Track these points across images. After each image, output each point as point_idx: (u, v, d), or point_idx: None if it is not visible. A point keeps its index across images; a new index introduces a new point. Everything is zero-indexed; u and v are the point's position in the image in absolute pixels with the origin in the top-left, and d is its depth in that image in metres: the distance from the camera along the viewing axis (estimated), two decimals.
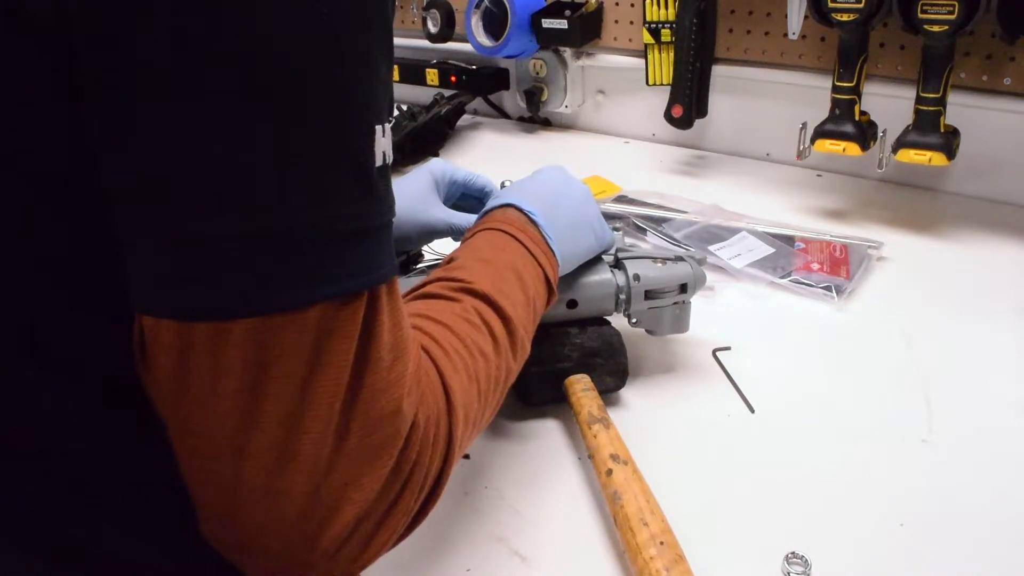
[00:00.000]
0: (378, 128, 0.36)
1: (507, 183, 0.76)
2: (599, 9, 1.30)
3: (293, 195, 0.33)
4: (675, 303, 0.70)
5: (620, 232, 0.77)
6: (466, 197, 0.76)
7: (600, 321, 0.70)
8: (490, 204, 0.63)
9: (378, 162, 0.36)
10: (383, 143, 0.36)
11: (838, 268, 0.88)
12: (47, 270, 0.35)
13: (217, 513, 0.37)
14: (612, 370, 0.68)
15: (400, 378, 0.38)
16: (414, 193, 0.70)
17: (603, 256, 0.70)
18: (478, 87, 1.44)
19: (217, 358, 0.33)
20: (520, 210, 0.60)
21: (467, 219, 0.69)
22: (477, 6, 1.31)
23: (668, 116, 1.17)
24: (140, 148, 0.32)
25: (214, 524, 0.37)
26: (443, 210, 0.71)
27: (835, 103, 0.99)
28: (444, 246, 0.73)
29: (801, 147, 1.03)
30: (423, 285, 0.52)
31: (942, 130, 0.93)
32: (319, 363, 0.35)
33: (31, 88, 0.32)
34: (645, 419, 0.67)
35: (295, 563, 0.37)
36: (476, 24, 1.32)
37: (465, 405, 0.45)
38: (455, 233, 0.70)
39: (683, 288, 0.69)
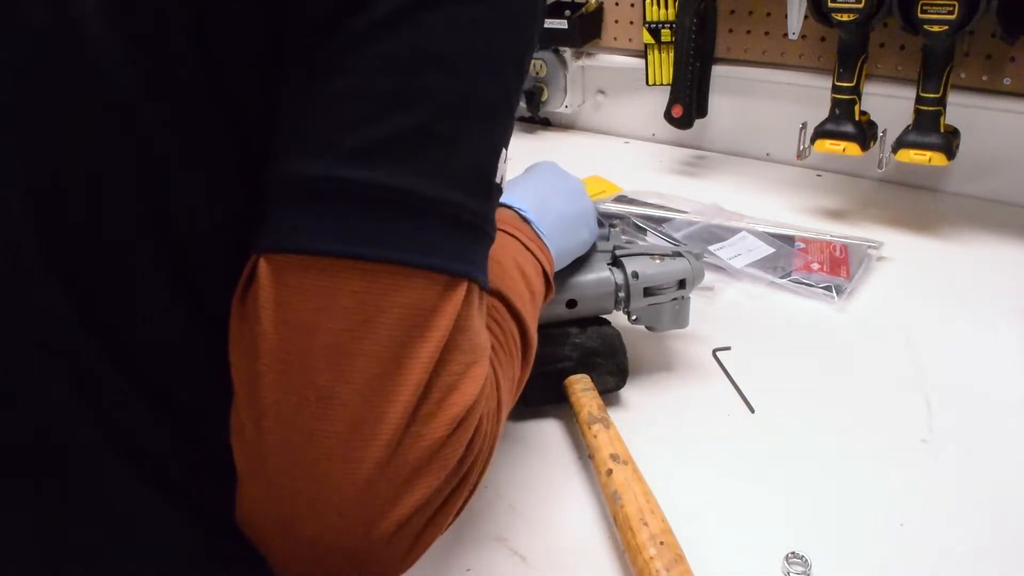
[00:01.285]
0: (503, 151, 0.41)
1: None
2: (599, 9, 1.30)
3: (435, 172, 0.37)
4: (674, 299, 0.70)
5: (617, 228, 0.77)
6: None
7: (600, 321, 0.70)
8: None
9: (497, 179, 0.40)
10: (503, 167, 0.41)
11: (838, 268, 0.88)
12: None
13: (276, 481, 0.36)
14: (612, 370, 0.68)
15: (480, 376, 0.39)
16: None
17: (601, 254, 0.70)
18: None
19: (329, 296, 0.35)
20: (511, 208, 0.60)
21: None
22: None
23: (668, 116, 1.17)
24: (317, 106, 0.36)
25: (265, 497, 0.37)
26: None
27: (835, 103, 0.99)
28: None
29: (801, 147, 1.03)
30: None
31: (942, 130, 0.93)
32: (418, 330, 0.36)
33: (256, 61, 0.37)
34: (645, 419, 0.67)
35: (342, 548, 0.36)
36: None
37: (508, 406, 0.46)
38: None
39: (682, 283, 0.69)
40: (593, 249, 0.71)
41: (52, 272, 0.38)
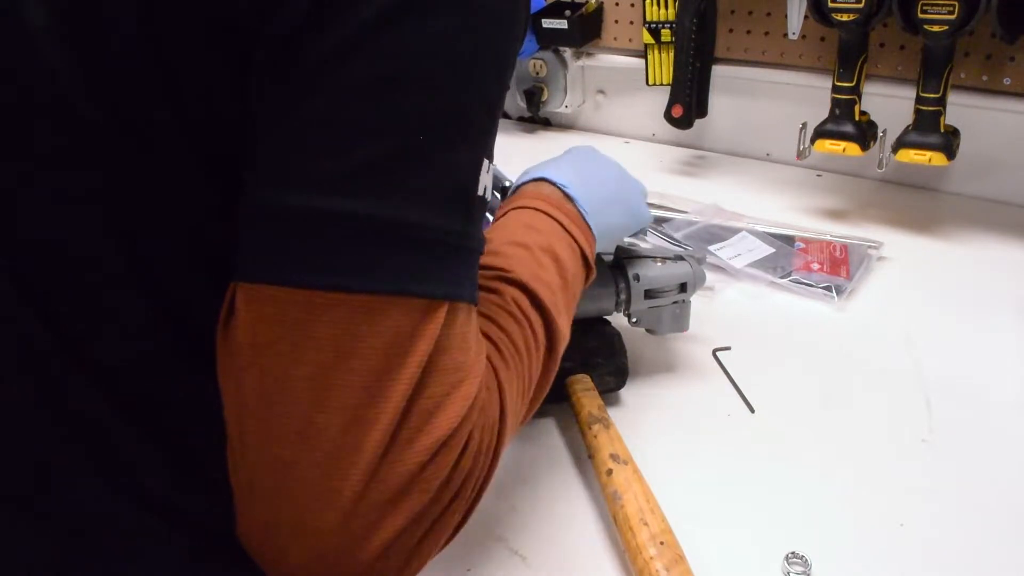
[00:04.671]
0: (485, 163, 0.39)
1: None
2: (599, 9, 1.30)
3: (414, 197, 0.36)
4: (675, 302, 0.70)
5: None
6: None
7: (600, 321, 0.70)
8: (520, 179, 0.61)
9: (479, 192, 0.39)
10: (485, 178, 0.40)
11: (838, 268, 0.88)
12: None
13: (261, 507, 0.37)
14: (612, 370, 0.68)
15: (466, 396, 0.38)
16: None
17: (603, 256, 0.70)
18: None
19: (307, 328, 0.35)
20: (554, 184, 0.58)
21: (494, 200, 0.68)
22: None
23: (668, 116, 1.17)
24: (292, 134, 0.35)
25: (254, 520, 0.37)
26: None
27: (835, 103, 0.99)
28: None
29: (801, 147, 1.03)
30: None
31: (942, 130, 0.93)
32: (397, 358, 0.35)
33: (219, 85, 0.36)
34: (645, 419, 0.67)
35: (331, 571, 0.36)
36: None
37: (514, 409, 0.45)
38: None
39: (683, 287, 0.69)
40: None
41: (16, 287, 0.37)
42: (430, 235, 0.37)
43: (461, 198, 0.38)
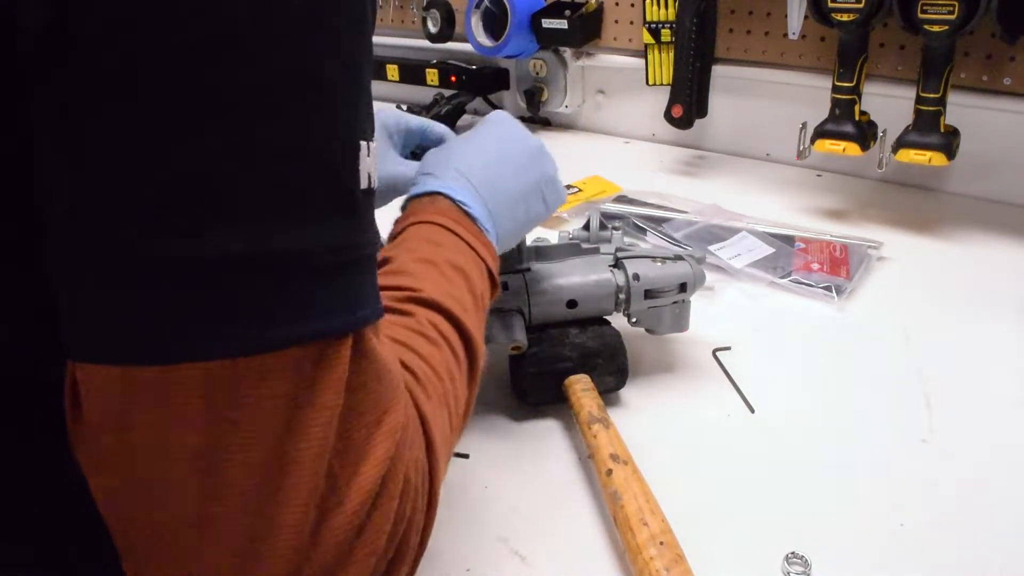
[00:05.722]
0: (363, 145, 0.31)
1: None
2: (599, 9, 1.30)
3: (264, 217, 0.28)
4: (675, 302, 0.70)
5: (619, 231, 0.77)
6: (423, 149, 0.65)
7: (600, 321, 0.70)
8: (416, 189, 0.55)
9: (363, 184, 0.31)
10: (368, 163, 0.32)
11: (838, 268, 0.88)
12: None
13: None
14: (612, 370, 0.68)
15: (392, 432, 0.33)
16: None
17: (603, 256, 0.70)
18: (478, 87, 1.44)
19: (169, 411, 0.28)
20: (449, 199, 0.53)
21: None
22: (477, 6, 1.31)
23: (668, 116, 1.17)
24: (90, 164, 0.27)
25: None
26: (402, 163, 0.63)
27: (835, 103, 0.99)
28: None
29: (801, 147, 1.03)
30: None
31: (942, 130, 0.93)
32: (298, 419, 0.29)
33: None
34: (645, 419, 0.67)
35: None
36: (476, 24, 1.32)
37: (443, 439, 0.40)
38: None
39: (682, 287, 0.69)
40: (595, 251, 0.71)
41: None
42: (307, 259, 0.29)
43: (341, 198, 0.30)
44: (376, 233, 0.34)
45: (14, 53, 0.27)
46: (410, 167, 0.62)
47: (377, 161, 0.34)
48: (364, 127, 0.32)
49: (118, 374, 0.28)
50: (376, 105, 0.35)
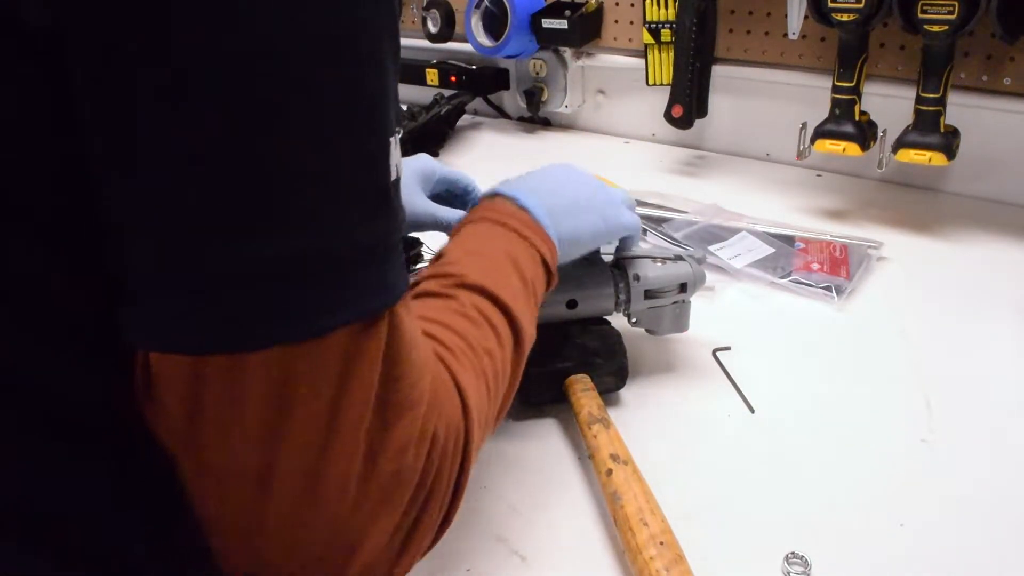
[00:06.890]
0: (391, 140, 0.34)
1: None
2: (599, 9, 1.30)
3: (312, 216, 0.31)
4: (675, 303, 0.70)
5: None
6: (451, 196, 0.74)
7: (600, 321, 0.70)
8: (481, 193, 0.61)
9: (393, 176, 0.34)
10: (395, 155, 0.34)
11: (838, 268, 0.88)
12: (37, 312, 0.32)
13: (239, 552, 0.36)
14: (612, 370, 0.68)
15: (423, 395, 0.37)
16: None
17: (603, 256, 0.70)
18: (478, 87, 1.44)
19: (236, 390, 0.32)
20: (507, 197, 0.57)
21: (452, 214, 0.68)
22: (477, 6, 1.31)
23: (668, 116, 1.17)
24: (145, 171, 0.29)
25: (238, 564, 0.36)
26: (427, 203, 0.69)
27: (835, 103, 0.99)
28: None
29: (801, 147, 1.03)
30: (414, 284, 0.50)
31: (942, 130, 0.93)
32: (345, 390, 0.33)
33: (31, 118, 0.30)
34: (645, 419, 0.67)
35: None
36: (476, 24, 1.32)
37: (478, 407, 0.43)
38: (440, 226, 0.68)
39: (683, 287, 0.69)
40: (596, 251, 0.71)
41: None
42: (347, 253, 0.33)
43: (377, 192, 0.34)
44: (404, 217, 0.37)
45: (62, 58, 0.28)
46: (434, 208, 0.69)
47: (400, 156, 0.36)
48: (393, 122, 0.35)
49: (188, 363, 0.32)
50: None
